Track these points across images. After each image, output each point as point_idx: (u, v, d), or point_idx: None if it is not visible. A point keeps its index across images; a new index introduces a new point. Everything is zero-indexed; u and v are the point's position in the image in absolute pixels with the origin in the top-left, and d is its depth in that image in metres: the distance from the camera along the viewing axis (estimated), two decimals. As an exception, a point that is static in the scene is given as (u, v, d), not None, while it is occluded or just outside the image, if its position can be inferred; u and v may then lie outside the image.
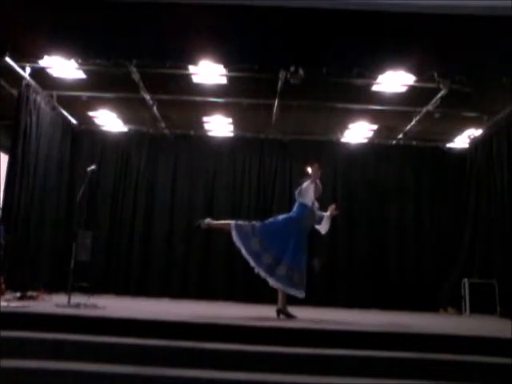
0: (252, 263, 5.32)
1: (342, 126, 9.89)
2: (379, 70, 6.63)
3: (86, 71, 7.74)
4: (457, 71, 6.22)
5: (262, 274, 5.34)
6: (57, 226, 9.27)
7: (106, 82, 8.11)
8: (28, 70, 7.69)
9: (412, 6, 4.82)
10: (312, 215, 5.62)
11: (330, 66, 6.24)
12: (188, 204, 10.20)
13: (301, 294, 5.36)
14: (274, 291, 5.61)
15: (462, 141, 10.14)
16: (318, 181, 5.57)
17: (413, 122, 9.20)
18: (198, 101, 8.74)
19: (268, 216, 6.15)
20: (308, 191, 5.50)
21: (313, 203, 5.62)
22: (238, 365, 3.57)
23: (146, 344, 3.78)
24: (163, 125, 10.02)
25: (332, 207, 5.76)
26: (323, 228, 5.77)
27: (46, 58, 7.00)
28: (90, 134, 10.36)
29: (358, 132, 10.12)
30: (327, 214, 5.76)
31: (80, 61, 7.21)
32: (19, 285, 6.79)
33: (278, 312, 5.42)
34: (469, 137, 9.88)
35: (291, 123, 9.67)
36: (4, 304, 4.96)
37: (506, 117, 8.40)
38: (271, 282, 5.34)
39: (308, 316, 5.95)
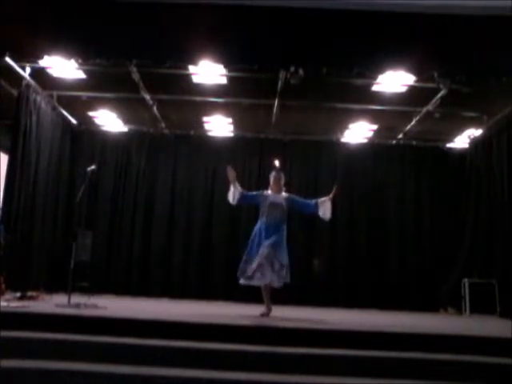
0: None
1: (342, 126, 9.89)
2: (379, 70, 6.62)
3: (86, 71, 7.73)
4: (457, 71, 6.21)
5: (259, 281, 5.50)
6: (57, 226, 9.28)
7: (106, 82, 8.11)
8: (28, 70, 7.68)
9: (412, 6, 4.82)
10: (270, 208, 5.67)
11: (330, 66, 6.24)
12: (188, 204, 10.20)
13: (279, 284, 5.50)
14: (274, 292, 5.62)
15: (462, 141, 10.14)
16: (278, 173, 5.85)
17: (413, 122, 9.20)
18: (198, 101, 8.74)
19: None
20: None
21: (266, 197, 5.73)
22: (238, 365, 3.57)
23: (146, 344, 3.78)
24: (163, 125, 10.02)
25: (334, 189, 5.78)
26: (325, 214, 5.79)
27: (46, 57, 6.99)
28: (90, 134, 10.35)
29: (358, 132, 10.11)
30: (325, 198, 5.79)
31: (80, 61, 7.19)
32: (19, 285, 6.79)
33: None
34: (469, 137, 9.88)
35: (291, 123, 9.66)
36: (4, 304, 4.96)
37: (506, 117, 8.40)
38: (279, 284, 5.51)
39: (308, 316, 5.95)
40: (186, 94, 8.51)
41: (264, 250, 5.46)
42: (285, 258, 5.55)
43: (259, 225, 5.70)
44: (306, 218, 9.65)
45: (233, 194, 5.79)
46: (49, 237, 8.93)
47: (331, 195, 5.77)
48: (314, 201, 5.86)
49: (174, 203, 10.21)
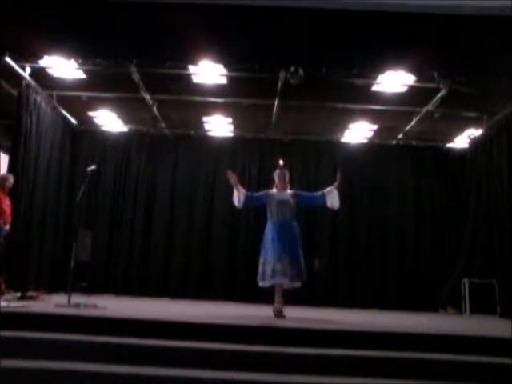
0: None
1: (342, 126, 9.89)
2: (379, 69, 6.63)
3: (85, 71, 7.74)
4: (457, 71, 6.21)
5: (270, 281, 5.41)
6: (57, 226, 9.28)
7: (106, 82, 8.11)
8: (28, 70, 7.69)
9: (412, 5, 4.82)
10: (278, 206, 5.62)
11: (330, 66, 6.24)
12: (188, 204, 10.21)
13: (297, 284, 5.44)
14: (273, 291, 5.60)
15: (462, 141, 10.14)
16: (282, 170, 5.86)
17: (413, 122, 9.20)
18: (198, 101, 8.74)
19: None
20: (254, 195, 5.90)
21: (272, 196, 5.69)
22: (238, 365, 3.57)
23: (146, 344, 3.78)
24: (163, 125, 10.02)
25: (339, 177, 5.64)
26: (333, 204, 5.67)
27: (46, 57, 7.00)
28: (90, 133, 10.36)
29: (358, 132, 10.12)
30: (331, 187, 5.67)
31: (80, 61, 7.21)
32: (19, 285, 6.79)
33: (275, 312, 5.42)
34: (469, 137, 9.88)
35: (291, 123, 9.67)
36: (4, 304, 4.96)
37: (506, 117, 8.40)
38: (296, 285, 5.44)
39: (308, 316, 5.95)
40: (185, 94, 8.51)
41: (278, 250, 5.38)
42: (299, 256, 5.47)
43: (270, 225, 5.64)
44: (306, 218, 9.71)
45: (237, 198, 5.74)
46: (49, 237, 8.93)
47: (337, 183, 5.64)
48: (320, 192, 5.78)
49: (173, 203, 10.22)
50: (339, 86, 7.72)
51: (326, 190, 5.71)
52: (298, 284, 5.47)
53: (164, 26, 5.20)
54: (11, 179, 6.83)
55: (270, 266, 5.38)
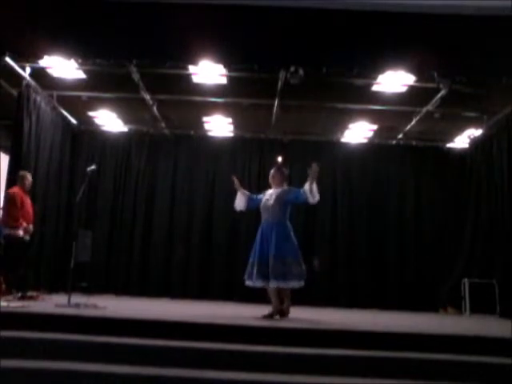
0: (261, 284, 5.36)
1: (342, 126, 9.90)
2: (379, 69, 6.63)
3: (86, 71, 7.74)
4: (457, 71, 6.21)
5: (262, 284, 5.36)
6: (57, 226, 9.27)
7: (106, 82, 8.12)
8: (28, 70, 7.69)
9: (412, 6, 4.81)
10: (263, 206, 5.59)
11: (330, 66, 6.24)
12: (188, 204, 10.21)
13: (299, 284, 5.33)
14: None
15: (462, 141, 10.15)
16: (274, 169, 5.79)
17: (413, 122, 9.20)
18: (198, 101, 8.74)
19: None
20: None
21: (263, 196, 5.68)
22: (238, 365, 3.57)
23: (146, 344, 3.78)
24: (163, 125, 10.02)
25: (312, 170, 5.39)
26: (312, 199, 5.45)
27: (46, 57, 7.00)
28: (90, 133, 10.36)
29: (358, 132, 10.12)
30: (306, 185, 5.44)
31: (80, 61, 7.21)
32: (19, 285, 6.79)
33: (281, 312, 5.39)
34: (469, 137, 9.88)
35: (291, 123, 9.67)
36: (4, 304, 4.96)
37: (506, 117, 8.40)
38: (272, 285, 5.30)
39: (308, 316, 5.95)
40: (185, 94, 8.51)
41: (258, 252, 5.38)
42: (288, 256, 5.32)
43: (264, 223, 5.60)
44: (305, 218, 9.73)
45: (240, 201, 5.80)
46: (49, 237, 8.93)
47: (310, 178, 5.38)
48: (301, 190, 5.53)
49: (173, 203, 10.22)
50: (339, 86, 7.72)
51: (304, 189, 5.46)
52: (284, 284, 5.29)
53: (164, 26, 5.20)
54: (29, 177, 6.84)
55: (251, 267, 5.39)
